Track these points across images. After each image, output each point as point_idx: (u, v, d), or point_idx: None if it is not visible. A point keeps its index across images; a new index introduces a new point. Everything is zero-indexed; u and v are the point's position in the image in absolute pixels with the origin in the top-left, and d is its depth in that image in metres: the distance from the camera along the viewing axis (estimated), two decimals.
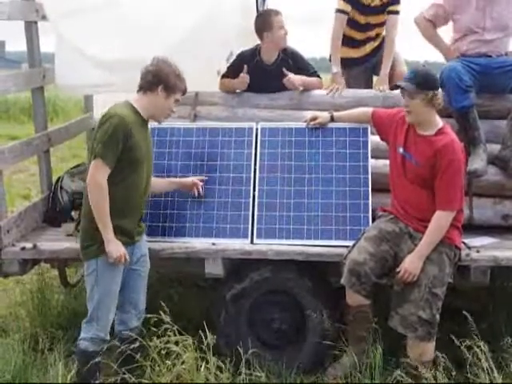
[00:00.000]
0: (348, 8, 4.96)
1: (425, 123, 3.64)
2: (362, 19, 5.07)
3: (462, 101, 4.20)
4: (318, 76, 4.81)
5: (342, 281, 3.64)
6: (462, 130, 4.28)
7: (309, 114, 4.47)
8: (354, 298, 3.65)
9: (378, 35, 5.28)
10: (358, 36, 5.22)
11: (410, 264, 3.53)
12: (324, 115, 4.26)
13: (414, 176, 3.67)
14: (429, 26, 4.64)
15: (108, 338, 3.51)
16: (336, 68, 4.93)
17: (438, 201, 3.58)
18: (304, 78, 4.68)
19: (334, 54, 5.03)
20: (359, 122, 4.18)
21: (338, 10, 4.98)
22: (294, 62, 4.69)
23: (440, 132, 3.62)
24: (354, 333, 3.70)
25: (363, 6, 4.97)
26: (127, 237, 3.51)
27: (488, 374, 3.31)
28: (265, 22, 4.63)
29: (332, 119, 4.23)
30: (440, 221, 3.57)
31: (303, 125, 4.29)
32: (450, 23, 4.63)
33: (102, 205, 3.35)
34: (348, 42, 5.18)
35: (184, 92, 3.63)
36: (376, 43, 5.34)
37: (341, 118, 4.24)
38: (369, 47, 5.34)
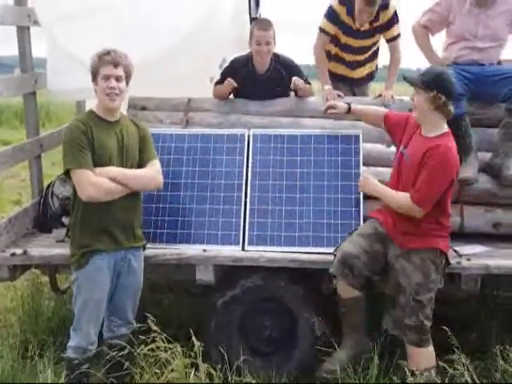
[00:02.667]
0: (332, 30, 4.92)
1: (427, 124, 3.56)
2: (355, 43, 5.06)
3: (454, 109, 4.20)
4: (309, 83, 4.78)
5: (332, 270, 3.63)
6: (453, 137, 4.28)
7: (300, 121, 4.50)
8: (346, 290, 3.64)
9: (374, 54, 5.33)
10: (358, 58, 5.22)
11: (367, 181, 3.80)
12: (342, 105, 4.17)
13: (403, 173, 3.64)
14: (423, 32, 4.66)
15: (91, 347, 3.47)
16: (327, 85, 4.82)
17: (412, 190, 3.51)
18: (302, 82, 4.64)
19: (322, 73, 4.96)
20: (373, 119, 4.08)
21: (321, 30, 4.95)
22: (286, 70, 4.65)
23: (441, 135, 3.55)
24: (348, 323, 3.70)
25: (354, 31, 4.95)
26: (110, 239, 3.47)
27: None
28: (251, 31, 4.60)
29: (349, 110, 4.14)
30: (404, 199, 3.53)
31: (295, 132, 4.30)
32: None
33: (114, 190, 3.43)
34: (348, 64, 5.25)
35: (111, 62, 3.42)
36: (373, 66, 5.40)
37: (357, 112, 4.15)
38: (368, 68, 5.37)
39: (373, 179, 3.83)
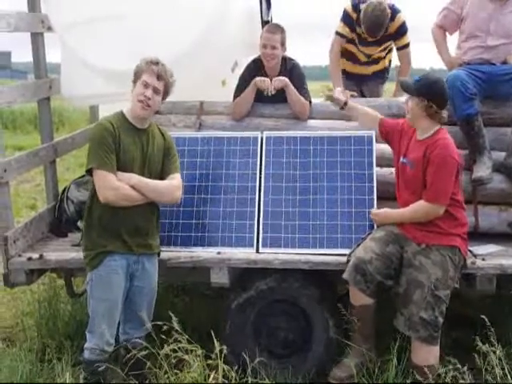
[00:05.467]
0: (348, 33, 5.12)
1: (420, 127, 3.69)
2: (365, 50, 5.25)
3: (467, 109, 4.20)
4: (310, 102, 4.64)
5: (345, 276, 3.64)
6: (466, 137, 4.28)
7: (313, 122, 4.52)
8: (358, 297, 3.66)
9: (379, 58, 5.47)
10: (370, 60, 5.41)
11: (380, 213, 3.83)
12: (341, 98, 4.26)
13: (411, 183, 3.71)
14: (440, 33, 4.70)
15: (108, 348, 3.49)
16: (338, 87, 4.80)
17: (424, 192, 3.62)
18: (292, 87, 4.53)
19: (335, 75, 5.15)
20: (368, 120, 4.18)
21: (337, 33, 5.13)
22: (289, 75, 4.57)
23: (435, 133, 3.66)
24: (360, 332, 3.71)
25: (362, 39, 5.14)
26: (122, 243, 3.49)
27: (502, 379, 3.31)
28: (261, 34, 4.62)
29: (345, 104, 4.25)
30: (419, 207, 3.63)
31: (308, 133, 4.31)
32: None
33: (133, 196, 3.44)
34: (360, 63, 5.44)
35: (156, 73, 3.44)
36: (379, 67, 5.53)
37: (353, 108, 4.26)
38: (371, 69, 5.52)
39: (381, 210, 3.89)
